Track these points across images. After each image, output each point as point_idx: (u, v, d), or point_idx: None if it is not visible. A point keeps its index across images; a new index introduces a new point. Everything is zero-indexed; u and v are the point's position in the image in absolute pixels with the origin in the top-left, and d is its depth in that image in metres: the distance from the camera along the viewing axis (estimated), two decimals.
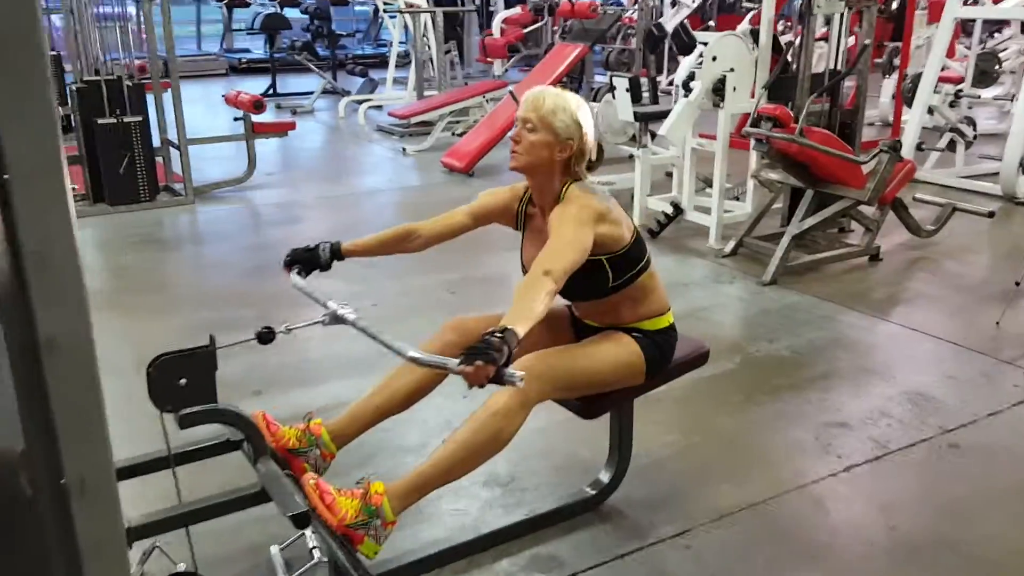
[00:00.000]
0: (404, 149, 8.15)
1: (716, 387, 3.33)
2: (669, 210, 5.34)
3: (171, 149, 6.34)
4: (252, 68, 14.47)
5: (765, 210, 5.07)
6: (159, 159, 6.26)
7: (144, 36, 6.18)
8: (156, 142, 6.18)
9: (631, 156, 5.64)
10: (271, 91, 11.73)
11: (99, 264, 5.06)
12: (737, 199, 5.76)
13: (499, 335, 1.71)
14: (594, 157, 2.24)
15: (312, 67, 11.33)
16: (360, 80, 11.63)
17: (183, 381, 1.79)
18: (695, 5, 10.27)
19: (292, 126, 6.74)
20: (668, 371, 2.39)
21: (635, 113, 5.39)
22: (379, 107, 10.57)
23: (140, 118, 5.84)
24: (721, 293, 4.40)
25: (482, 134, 7.29)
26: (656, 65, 9.87)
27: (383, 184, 7.05)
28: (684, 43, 5.29)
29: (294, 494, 1.76)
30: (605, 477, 2.50)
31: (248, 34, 13.80)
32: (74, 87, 5.83)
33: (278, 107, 10.91)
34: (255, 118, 6.45)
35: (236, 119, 6.56)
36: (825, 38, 5.43)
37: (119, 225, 5.65)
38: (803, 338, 3.80)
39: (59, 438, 1.47)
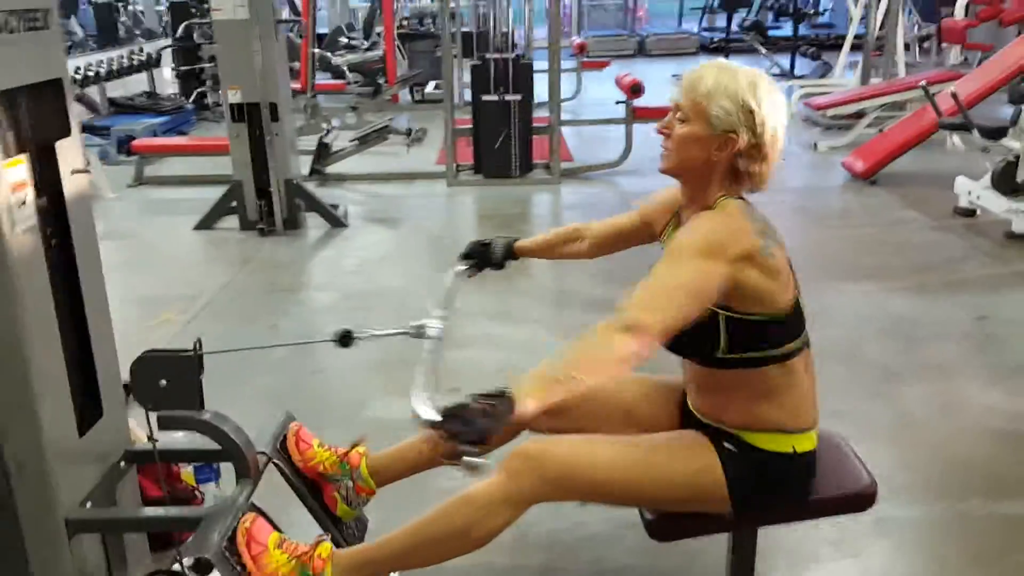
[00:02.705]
0: (815, 144, 7.24)
1: (1006, 530, 2.29)
2: None
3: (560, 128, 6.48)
4: (723, 48, 14.19)
5: None
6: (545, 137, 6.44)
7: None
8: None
9: None
10: None
11: (437, 229, 5.38)
12: None
13: (490, 401, 1.31)
14: (775, 157, 1.59)
15: (759, 48, 10.66)
16: (813, 63, 10.68)
17: (163, 382, 1.72)
18: None
19: None
20: (803, 508, 1.68)
21: None
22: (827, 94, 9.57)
23: (520, 97, 6.05)
24: None
25: (898, 134, 6.10)
26: None
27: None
28: None
29: (216, 534, 1.59)
30: None
31: (708, 13, 13.51)
32: (469, 64, 6.26)
33: None
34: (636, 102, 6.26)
35: (618, 102, 6.44)
36: None
37: (482, 197, 5.96)
38: None
39: None
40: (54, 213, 1.66)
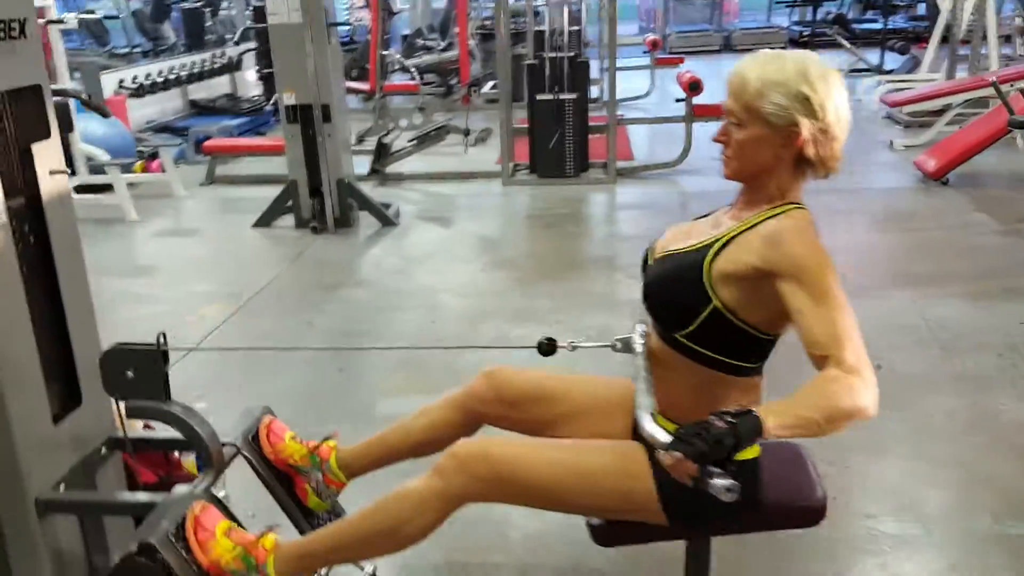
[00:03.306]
0: (891, 142, 6.95)
1: (1014, 551, 2.16)
2: None
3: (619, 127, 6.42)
4: (808, 42, 13.73)
5: None
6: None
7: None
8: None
9: None
10: None
11: (485, 228, 5.39)
12: None
13: (730, 418, 1.27)
14: (843, 139, 1.52)
15: (842, 41, 10.28)
16: (903, 57, 10.24)
17: (130, 374, 1.80)
18: None
19: None
20: (747, 519, 1.63)
21: None
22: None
23: (575, 95, 6.02)
24: None
25: (972, 133, 5.78)
26: None
27: (830, 184, 6.11)
28: None
29: (164, 521, 1.66)
30: None
31: (795, 6, 13.09)
32: (525, 63, 6.27)
33: None
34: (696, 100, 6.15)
35: (677, 100, 6.33)
36: None
37: (535, 197, 5.96)
38: None
39: None
40: (31, 210, 1.76)
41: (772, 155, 1.51)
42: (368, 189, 6.04)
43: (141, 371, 1.80)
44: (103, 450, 1.95)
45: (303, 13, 4.84)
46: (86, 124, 6.32)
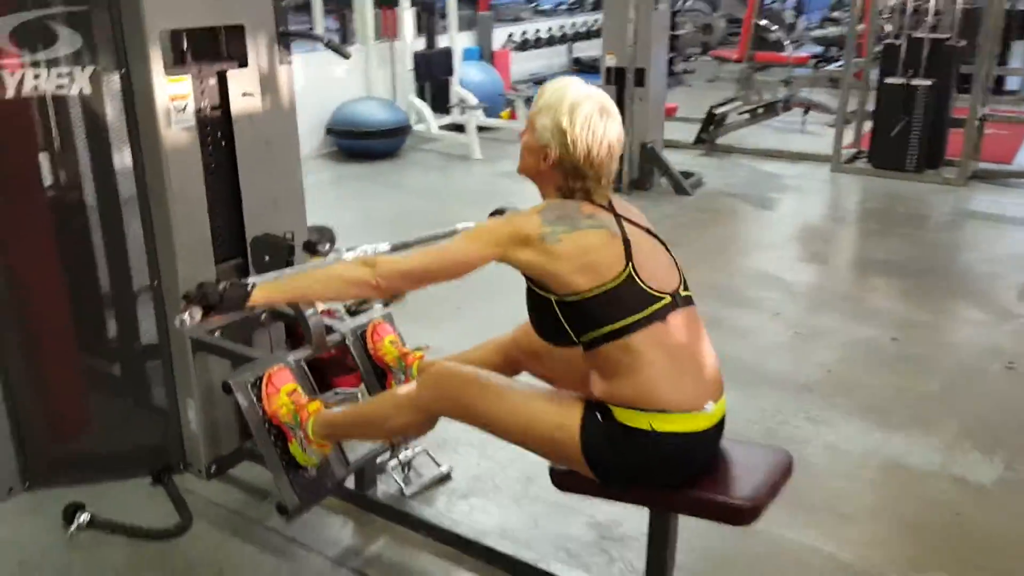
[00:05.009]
0: None
1: None
2: None
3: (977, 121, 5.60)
4: None
5: None
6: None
7: None
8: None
9: None
10: None
11: (775, 217, 5.13)
12: None
13: (230, 283, 1.78)
14: (596, 176, 1.68)
15: None
16: None
17: (266, 258, 2.28)
18: None
19: None
20: (675, 498, 1.61)
21: None
22: None
23: (931, 82, 5.35)
24: None
25: None
26: None
27: None
28: None
29: (249, 372, 2.08)
30: None
31: None
32: (880, 45, 5.72)
33: None
34: None
35: None
36: None
37: (854, 189, 5.52)
38: None
39: (157, 250, 2.25)
40: (222, 121, 2.30)
41: (535, 166, 1.71)
42: (691, 159, 6.10)
43: (274, 258, 2.28)
44: (263, 316, 2.49)
45: None
46: (467, 71, 7.24)
